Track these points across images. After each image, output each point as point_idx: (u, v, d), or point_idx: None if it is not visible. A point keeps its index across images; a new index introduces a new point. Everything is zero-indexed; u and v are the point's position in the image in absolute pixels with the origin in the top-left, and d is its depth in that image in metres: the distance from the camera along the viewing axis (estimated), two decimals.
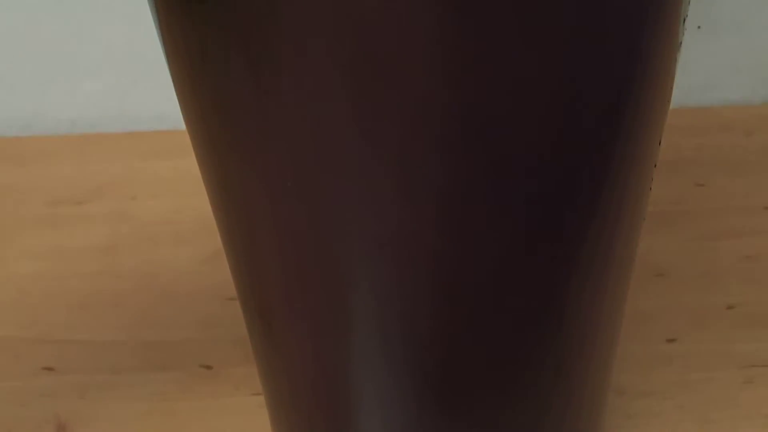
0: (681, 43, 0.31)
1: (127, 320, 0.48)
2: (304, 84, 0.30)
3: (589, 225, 0.33)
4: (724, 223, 0.54)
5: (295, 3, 0.28)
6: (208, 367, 0.46)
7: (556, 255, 0.33)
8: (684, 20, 0.30)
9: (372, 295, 0.33)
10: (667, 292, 0.50)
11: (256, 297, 0.36)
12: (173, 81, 0.38)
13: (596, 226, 0.33)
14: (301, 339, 0.35)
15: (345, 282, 0.33)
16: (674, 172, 0.57)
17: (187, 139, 0.61)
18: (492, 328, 0.32)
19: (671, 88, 0.32)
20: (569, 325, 0.33)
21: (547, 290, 0.32)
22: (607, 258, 0.34)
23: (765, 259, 0.52)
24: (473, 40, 0.27)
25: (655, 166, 0.35)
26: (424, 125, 0.29)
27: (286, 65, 0.29)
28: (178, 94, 0.38)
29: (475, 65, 0.27)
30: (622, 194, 0.33)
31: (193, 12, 0.33)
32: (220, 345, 0.46)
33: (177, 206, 0.55)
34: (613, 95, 0.30)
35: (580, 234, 0.33)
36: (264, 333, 0.36)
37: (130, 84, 0.59)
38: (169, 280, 0.50)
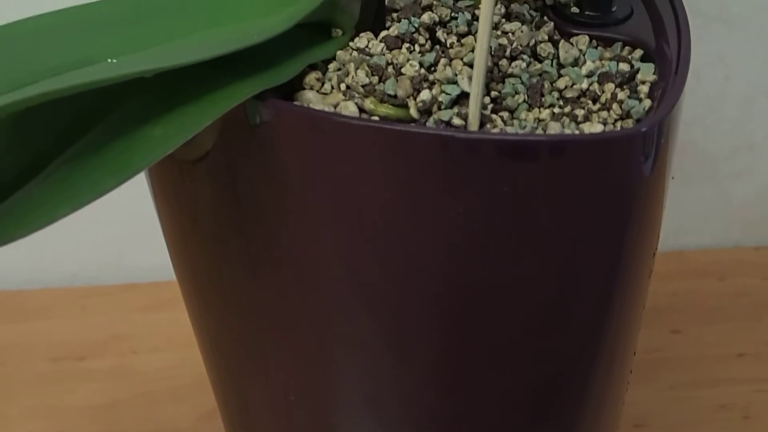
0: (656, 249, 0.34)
1: None
2: (303, 265, 0.32)
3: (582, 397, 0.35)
4: (700, 372, 0.56)
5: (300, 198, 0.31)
6: None
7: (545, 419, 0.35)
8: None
9: None
10: None
11: None
12: (167, 244, 0.41)
13: (588, 396, 0.35)
14: None
15: None
16: (652, 319, 0.60)
17: (179, 292, 0.64)
18: None
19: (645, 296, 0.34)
20: None
21: None
22: (598, 412, 0.36)
23: (738, 409, 0.54)
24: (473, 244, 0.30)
25: (634, 353, 0.37)
26: (422, 302, 0.31)
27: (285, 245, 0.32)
28: (171, 257, 0.41)
29: (473, 265, 0.30)
30: (607, 373, 0.35)
31: (184, 179, 0.35)
32: None
33: (176, 361, 0.57)
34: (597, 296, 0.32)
35: (571, 405, 0.36)
36: None
37: (128, 238, 0.62)
38: None
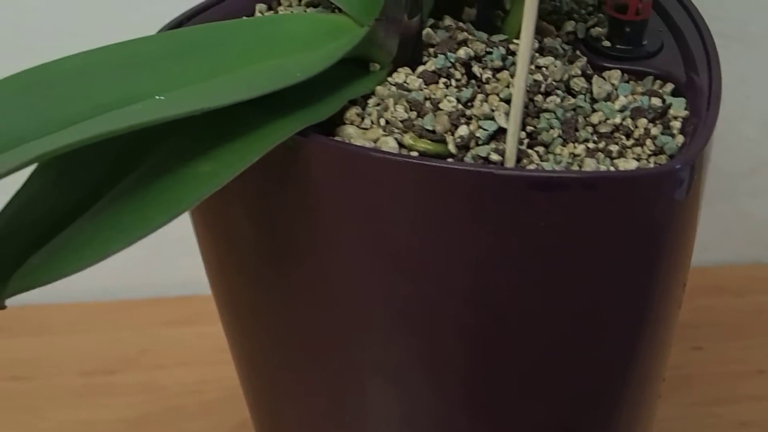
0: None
1: None
2: (335, 278, 0.33)
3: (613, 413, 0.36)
4: (720, 388, 0.57)
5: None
6: None
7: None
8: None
9: None
10: None
11: None
12: (204, 262, 0.42)
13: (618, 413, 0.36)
14: None
15: None
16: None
17: (209, 306, 0.64)
18: None
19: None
20: None
21: None
22: None
23: (758, 426, 0.55)
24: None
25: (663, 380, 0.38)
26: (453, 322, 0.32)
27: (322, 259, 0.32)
28: (208, 275, 0.42)
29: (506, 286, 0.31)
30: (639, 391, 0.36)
31: (223, 205, 0.36)
32: None
33: (203, 375, 0.57)
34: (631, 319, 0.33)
35: (602, 418, 0.36)
36: None
37: (156, 253, 0.63)
38: None
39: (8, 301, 0.65)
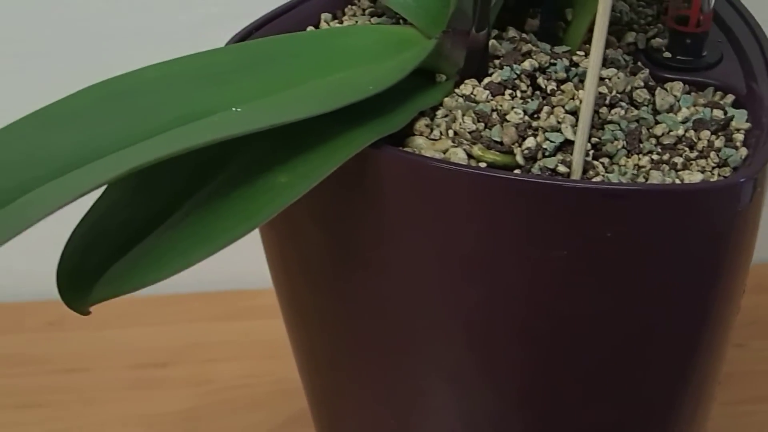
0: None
1: None
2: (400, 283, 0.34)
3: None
4: (762, 386, 0.58)
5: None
6: None
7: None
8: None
9: None
10: None
11: None
12: (269, 266, 0.42)
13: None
14: None
15: None
16: None
17: (256, 301, 0.65)
18: None
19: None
20: None
21: None
22: None
23: None
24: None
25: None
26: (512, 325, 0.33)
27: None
28: (273, 279, 0.42)
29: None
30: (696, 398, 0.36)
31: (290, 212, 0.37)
32: None
33: (252, 369, 0.59)
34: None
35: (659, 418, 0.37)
36: None
37: None
38: None
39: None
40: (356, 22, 0.38)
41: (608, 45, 0.36)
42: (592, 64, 0.30)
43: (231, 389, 0.58)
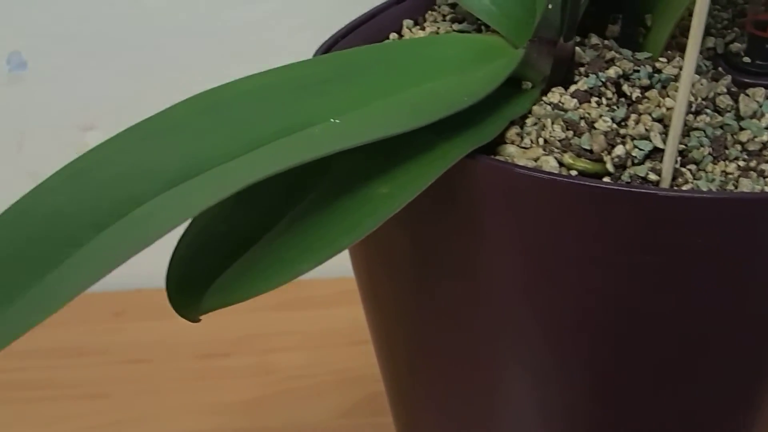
0: None
1: None
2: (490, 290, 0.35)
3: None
4: None
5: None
6: None
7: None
8: None
9: None
10: None
11: None
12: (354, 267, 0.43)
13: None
14: None
15: None
16: None
17: (315, 291, 0.66)
18: None
19: None
20: None
21: None
22: None
23: None
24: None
25: None
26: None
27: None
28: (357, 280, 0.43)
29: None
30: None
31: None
32: None
33: (312, 359, 0.60)
34: None
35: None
36: None
37: None
38: None
39: (125, 284, 0.68)
40: (438, 28, 0.39)
41: None
42: (685, 71, 0.31)
43: (292, 379, 0.59)
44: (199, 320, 0.32)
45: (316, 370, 0.60)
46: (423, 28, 0.39)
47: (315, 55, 0.37)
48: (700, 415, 0.37)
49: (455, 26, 0.39)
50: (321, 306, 0.63)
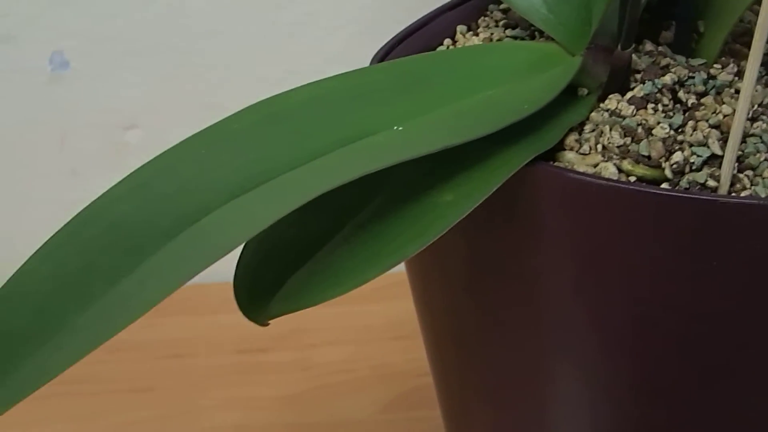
0: None
1: None
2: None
3: None
4: None
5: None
6: None
7: None
8: None
9: None
10: None
11: None
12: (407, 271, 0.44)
13: None
14: None
15: None
16: None
17: None
18: None
19: None
20: None
21: None
22: None
23: None
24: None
25: None
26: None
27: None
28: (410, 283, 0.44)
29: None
30: None
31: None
32: None
33: (352, 354, 0.60)
34: None
35: None
36: None
37: None
38: (353, 429, 0.56)
39: None
40: (491, 34, 0.39)
41: (741, 57, 0.37)
42: (747, 78, 0.31)
43: (331, 374, 0.60)
44: (267, 324, 0.32)
45: (356, 365, 0.60)
46: (476, 34, 0.40)
47: (372, 62, 0.37)
48: (752, 415, 0.37)
49: (508, 32, 0.39)
50: (360, 302, 0.63)
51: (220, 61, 0.62)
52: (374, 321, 0.62)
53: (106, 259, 0.30)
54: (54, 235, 0.31)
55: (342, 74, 0.35)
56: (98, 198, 0.32)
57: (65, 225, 0.31)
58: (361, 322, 0.62)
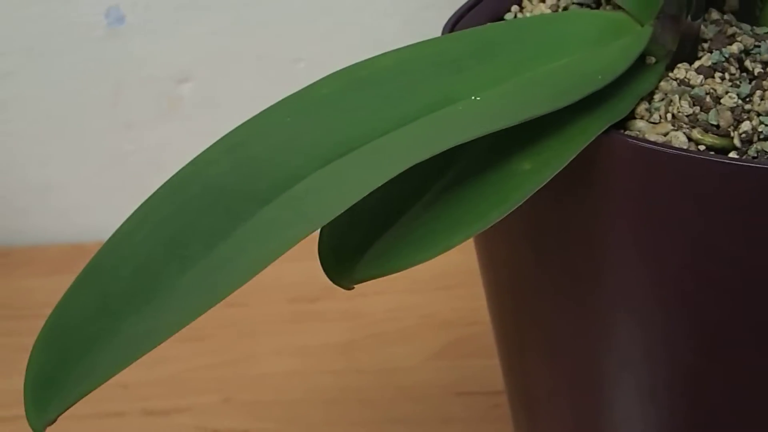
0: None
1: (373, 416, 0.56)
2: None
3: None
4: None
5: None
6: None
7: None
8: None
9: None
10: None
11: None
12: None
13: None
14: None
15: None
16: None
17: None
18: None
19: None
20: None
21: None
22: None
23: None
24: None
25: None
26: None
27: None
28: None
29: None
30: None
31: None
32: None
33: (400, 303, 0.62)
34: None
35: None
36: None
37: None
38: (403, 376, 0.58)
39: None
40: (558, 1, 0.40)
41: None
42: None
43: (380, 323, 0.62)
44: (352, 288, 0.34)
45: (404, 314, 0.62)
46: (543, 1, 0.41)
47: (443, 32, 0.38)
48: None
49: (572, 6, 0.40)
50: None
51: (272, 17, 0.63)
52: (421, 272, 0.64)
53: (204, 222, 0.31)
54: (150, 197, 0.32)
55: (418, 43, 0.36)
56: (191, 161, 0.33)
57: (160, 187, 0.32)
58: (409, 272, 0.64)
